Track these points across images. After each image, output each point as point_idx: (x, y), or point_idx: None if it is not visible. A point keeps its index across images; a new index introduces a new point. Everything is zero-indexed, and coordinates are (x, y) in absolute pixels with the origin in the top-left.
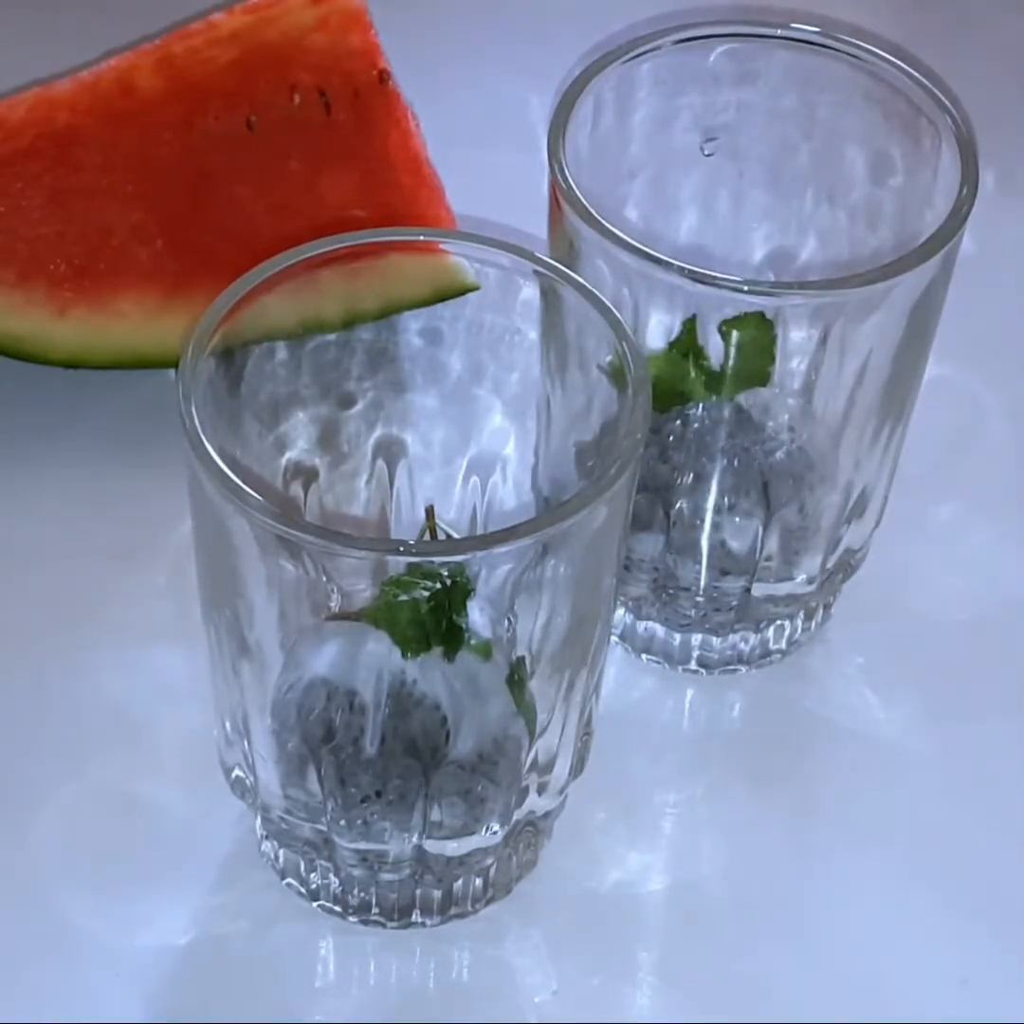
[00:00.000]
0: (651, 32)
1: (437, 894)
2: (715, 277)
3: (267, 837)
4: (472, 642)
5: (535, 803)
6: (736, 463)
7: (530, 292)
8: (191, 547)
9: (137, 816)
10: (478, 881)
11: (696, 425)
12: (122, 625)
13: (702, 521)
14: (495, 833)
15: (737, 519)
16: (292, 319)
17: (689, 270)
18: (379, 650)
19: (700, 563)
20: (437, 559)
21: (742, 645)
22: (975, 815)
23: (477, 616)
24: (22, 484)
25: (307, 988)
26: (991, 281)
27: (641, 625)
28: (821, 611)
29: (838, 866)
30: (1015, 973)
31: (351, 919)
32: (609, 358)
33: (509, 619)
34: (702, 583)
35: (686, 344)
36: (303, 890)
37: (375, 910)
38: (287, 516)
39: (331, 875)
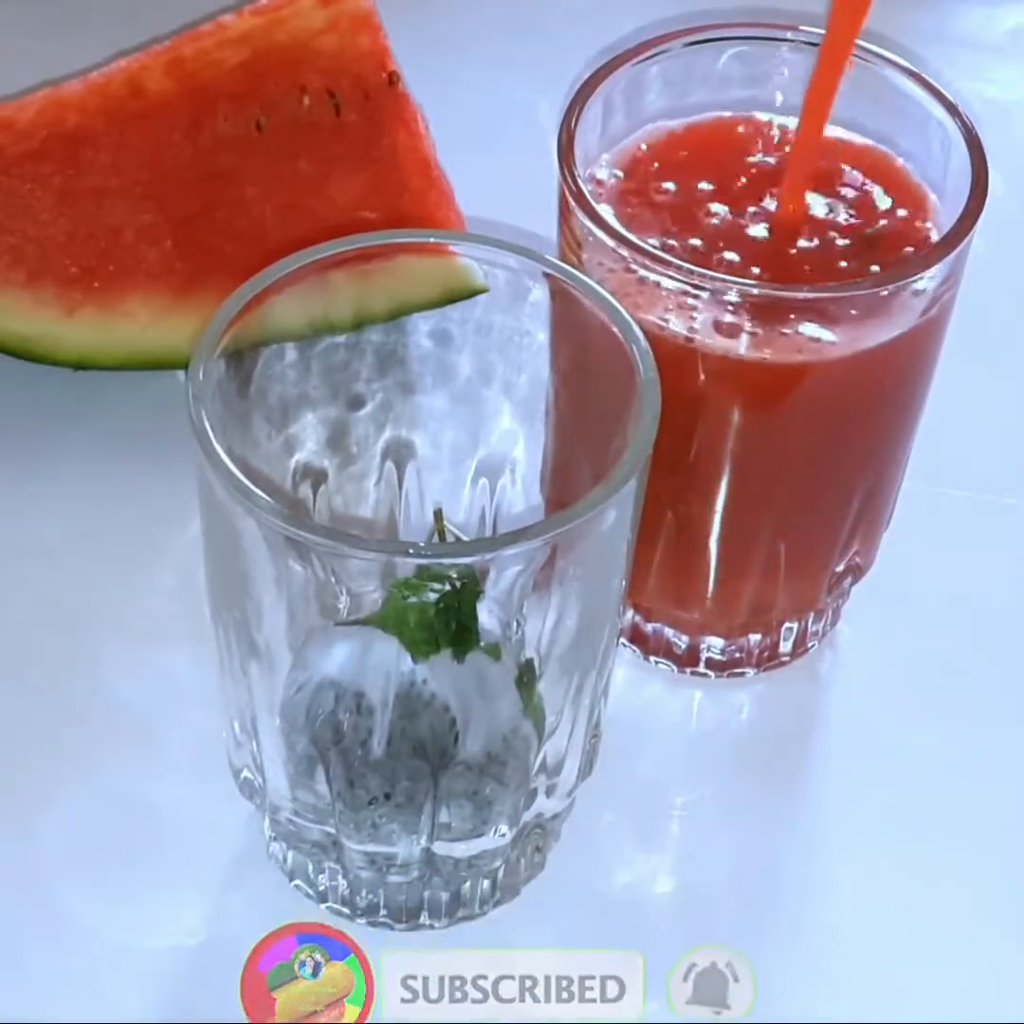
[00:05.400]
0: (661, 35)
1: (445, 896)
2: (724, 278)
3: (275, 839)
4: (481, 644)
5: (543, 805)
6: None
7: (539, 294)
8: (200, 548)
9: (146, 817)
10: (486, 883)
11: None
12: (131, 626)
13: (709, 527)
14: (503, 835)
15: (744, 524)
16: (301, 320)
17: (698, 272)
18: (388, 651)
19: (708, 567)
20: (446, 561)
21: (750, 648)
22: (984, 817)
23: (486, 618)
24: (31, 485)
25: None
26: (1002, 282)
27: (649, 627)
28: (830, 614)
29: (846, 868)
30: None
31: (359, 921)
32: (618, 360)
33: (518, 621)
34: (710, 587)
35: None
36: (311, 892)
37: (383, 912)
38: (296, 517)
39: (339, 877)
